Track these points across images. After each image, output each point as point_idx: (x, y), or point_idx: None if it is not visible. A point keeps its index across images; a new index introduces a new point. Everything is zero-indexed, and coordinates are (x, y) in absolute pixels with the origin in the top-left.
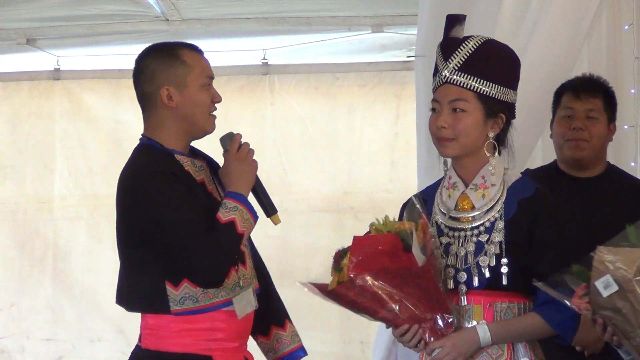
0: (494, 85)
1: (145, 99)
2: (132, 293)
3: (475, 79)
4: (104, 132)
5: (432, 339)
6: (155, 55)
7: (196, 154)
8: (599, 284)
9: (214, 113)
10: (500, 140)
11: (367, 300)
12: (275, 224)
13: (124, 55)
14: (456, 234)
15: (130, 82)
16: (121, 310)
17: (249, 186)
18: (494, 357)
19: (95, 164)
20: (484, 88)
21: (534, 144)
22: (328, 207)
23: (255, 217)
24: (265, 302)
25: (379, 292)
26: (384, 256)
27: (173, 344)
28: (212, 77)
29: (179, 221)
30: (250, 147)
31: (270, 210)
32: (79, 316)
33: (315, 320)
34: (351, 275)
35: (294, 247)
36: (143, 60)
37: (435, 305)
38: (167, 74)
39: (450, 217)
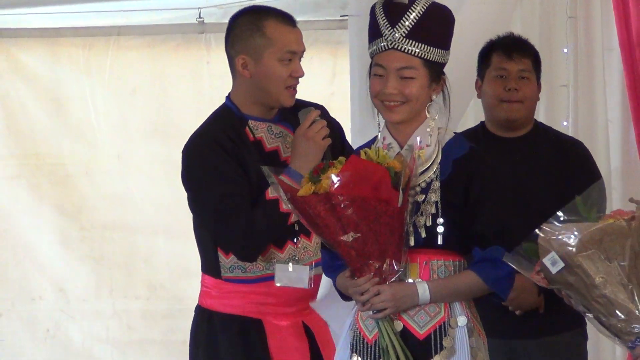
0: (437, 50)
1: (229, 61)
2: (200, 253)
3: (422, 45)
4: (43, 91)
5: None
6: (242, 20)
7: (285, 114)
8: (546, 261)
9: (296, 87)
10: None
11: (331, 218)
12: None
13: (61, 14)
14: None
15: (68, 41)
16: (62, 269)
17: (310, 165)
18: (431, 315)
19: (36, 123)
20: (430, 55)
21: (466, 105)
22: None
23: None
24: None
25: (349, 216)
26: (368, 185)
27: (224, 304)
28: (294, 52)
29: (213, 194)
30: (322, 127)
31: None
32: (21, 274)
33: None
34: (333, 189)
35: None
36: (234, 21)
37: (390, 250)
38: (245, 43)
39: None
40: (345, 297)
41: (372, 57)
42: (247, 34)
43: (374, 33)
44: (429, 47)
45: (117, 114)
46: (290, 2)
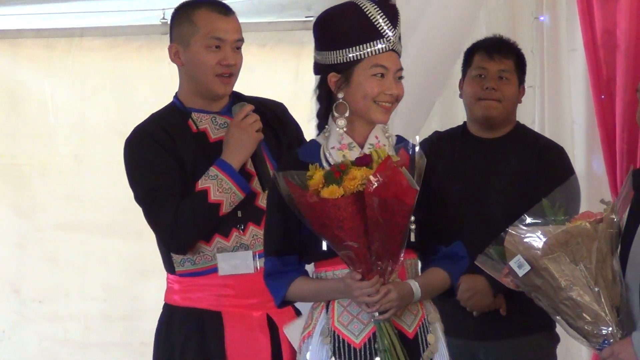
0: None
1: None
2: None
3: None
4: (2, 91)
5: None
6: (177, 12)
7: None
8: (512, 264)
9: (232, 75)
10: None
11: (357, 220)
12: None
13: (23, 15)
14: None
15: (30, 42)
16: (17, 270)
17: (243, 156)
18: (414, 313)
19: None
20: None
21: (430, 107)
22: None
23: (242, 187)
24: None
25: (374, 217)
26: (394, 186)
27: (185, 298)
28: (221, 39)
29: (142, 187)
30: (255, 120)
31: (265, 184)
32: None
33: None
34: (370, 190)
35: None
36: (172, 16)
37: (393, 249)
38: (176, 31)
39: None
40: (284, 304)
41: (357, 59)
42: (177, 22)
43: (369, 34)
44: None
45: (76, 115)
46: (255, 3)
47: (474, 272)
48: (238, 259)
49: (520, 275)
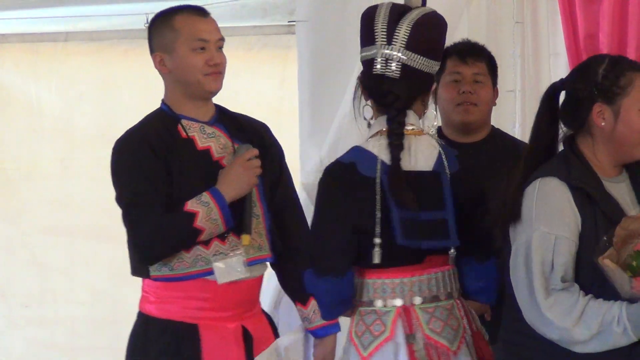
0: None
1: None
2: (130, 256)
3: None
4: None
5: None
6: (155, 21)
7: (221, 119)
8: None
9: (221, 73)
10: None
11: None
12: (243, 244)
13: (8, 20)
14: None
15: (14, 47)
16: (3, 274)
17: (236, 193)
18: None
19: None
20: None
21: None
22: None
23: (227, 222)
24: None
25: None
26: None
27: (161, 309)
28: (205, 40)
29: (128, 190)
30: (258, 166)
31: (244, 228)
32: None
33: None
34: None
35: None
36: (150, 25)
37: None
38: (158, 40)
39: None
40: None
41: None
42: (158, 31)
43: None
44: None
45: (63, 119)
46: (237, 7)
47: None
48: (230, 264)
49: None
